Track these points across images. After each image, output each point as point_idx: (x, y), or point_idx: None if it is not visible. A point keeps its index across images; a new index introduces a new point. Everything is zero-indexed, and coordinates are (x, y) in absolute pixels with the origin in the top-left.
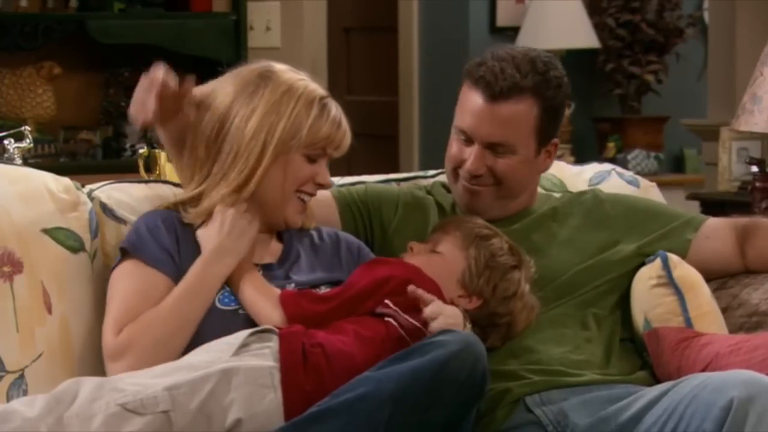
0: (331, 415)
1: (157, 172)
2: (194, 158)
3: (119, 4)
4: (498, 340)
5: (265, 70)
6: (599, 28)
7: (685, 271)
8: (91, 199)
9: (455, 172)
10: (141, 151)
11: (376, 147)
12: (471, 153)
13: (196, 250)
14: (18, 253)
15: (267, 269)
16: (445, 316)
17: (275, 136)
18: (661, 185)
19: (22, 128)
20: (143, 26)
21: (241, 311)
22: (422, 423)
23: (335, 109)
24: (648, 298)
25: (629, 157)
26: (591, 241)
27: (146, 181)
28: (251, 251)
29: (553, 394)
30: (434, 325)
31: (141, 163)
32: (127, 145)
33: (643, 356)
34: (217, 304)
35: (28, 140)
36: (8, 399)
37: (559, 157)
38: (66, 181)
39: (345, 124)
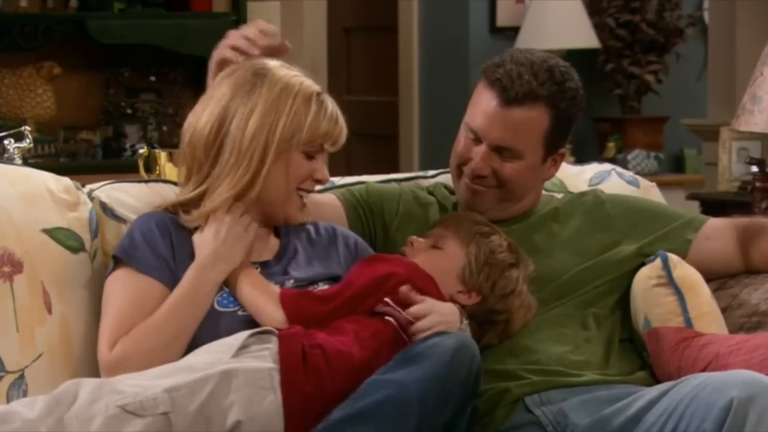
0: (361, 419)
1: (157, 172)
2: (192, 158)
3: (119, 4)
4: (495, 337)
5: (259, 68)
6: (599, 28)
7: (685, 271)
8: (91, 199)
9: (459, 169)
10: (141, 151)
11: (376, 147)
12: (478, 153)
13: (191, 252)
14: (18, 253)
15: (265, 267)
16: (436, 314)
17: (276, 135)
18: (661, 185)
19: (22, 128)
20: (143, 26)
21: (240, 312)
22: (437, 425)
23: (331, 104)
24: (648, 298)
25: (629, 157)
26: (591, 242)
27: (146, 181)
28: (249, 251)
29: (553, 394)
30: (419, 324)
31: (141, 163)
32: (127, 145)
33: (643, 356)
34: (216, 306)
35: (28, 140)
36: (8, 399)
37: None
38: (66, 181)
39: (341, 119)
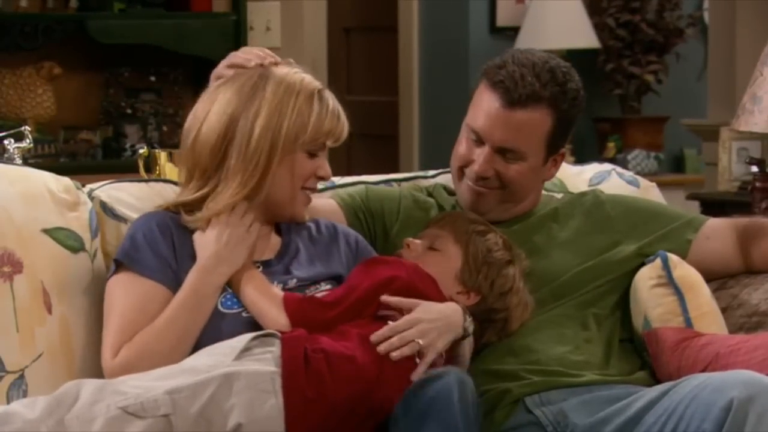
0: None
1: (157, 172)
2: (194, 162)
3: (119, 4)
4: (494, 335)
5: (260, 70)
6: (599, 28)
7: (685, 271)
8: (91, 198)
9: (461, 171)
10: (141, 151)
11: (376, 147)
12: (480, 155)
13: (193, 251)
14: (18, 253)
15: (266, 266)
16: (426, 322)
17: (281, 138)
18: (661, 185)
19: (22, 128)
20: (143, 26)
21: (244, 314)
22: None
23: (332, 100)
24: (648, 298)
25: (629, 157)
26: (591, 242)
27: (146, 181)
28: (251, 252)
29: (553, 394)
30: (405, 335)
31: (141, 163)
32: (127, 145)
33: (643, 356)
34: (220, 307)
35: (28, 140)
36: (8, 399)
37: None
38: (66, 181)
39: (343, 114)
